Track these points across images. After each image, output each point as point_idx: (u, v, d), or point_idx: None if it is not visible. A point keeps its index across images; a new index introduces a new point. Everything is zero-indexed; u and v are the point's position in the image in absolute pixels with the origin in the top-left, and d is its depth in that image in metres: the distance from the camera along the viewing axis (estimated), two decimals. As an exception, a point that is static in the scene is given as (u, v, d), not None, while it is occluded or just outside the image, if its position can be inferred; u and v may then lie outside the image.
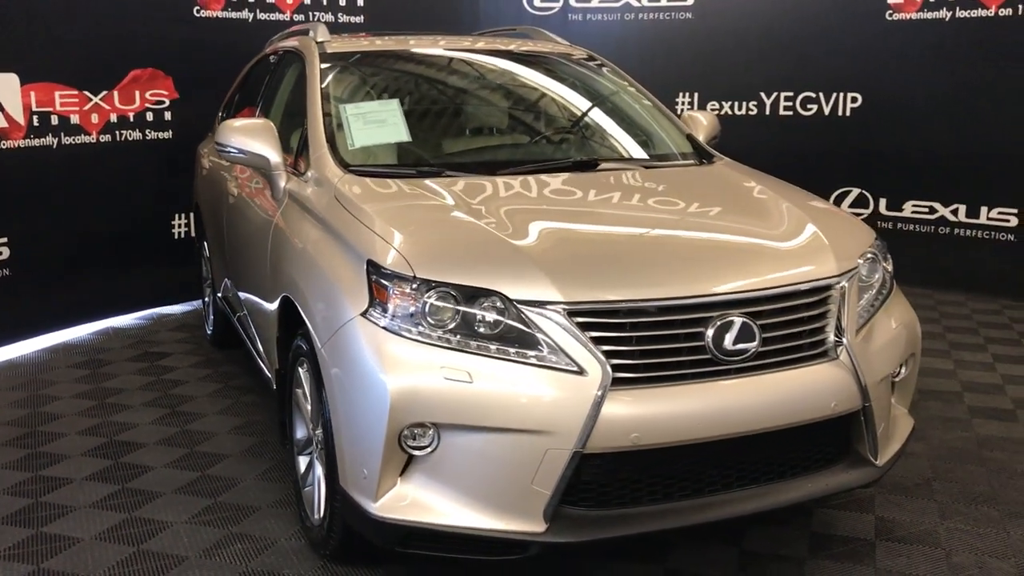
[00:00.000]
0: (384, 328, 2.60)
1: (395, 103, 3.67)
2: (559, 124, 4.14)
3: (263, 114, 4.48)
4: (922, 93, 6.59)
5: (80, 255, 5.77)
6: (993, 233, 6.44)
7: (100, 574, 3.06)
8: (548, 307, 2.54)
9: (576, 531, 2.54)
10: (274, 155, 3.51)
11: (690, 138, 4.03)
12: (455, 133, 3.92)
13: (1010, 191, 6.36)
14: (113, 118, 5.85)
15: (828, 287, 2.83)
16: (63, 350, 5.52)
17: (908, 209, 6.81)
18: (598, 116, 4.11)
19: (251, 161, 3.54)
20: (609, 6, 7.63)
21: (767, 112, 7.19)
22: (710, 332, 2.62)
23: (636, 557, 3.12)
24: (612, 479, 2.60)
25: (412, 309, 2.59)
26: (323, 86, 3.74)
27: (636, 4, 7.57)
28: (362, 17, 7.09)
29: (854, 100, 6.84)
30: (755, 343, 2.65)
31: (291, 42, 4.48)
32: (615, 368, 2.53)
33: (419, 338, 2.56)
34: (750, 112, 7.25)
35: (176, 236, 6.41)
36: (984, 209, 6.47)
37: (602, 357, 2.52)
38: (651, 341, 2.58)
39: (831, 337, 2.80)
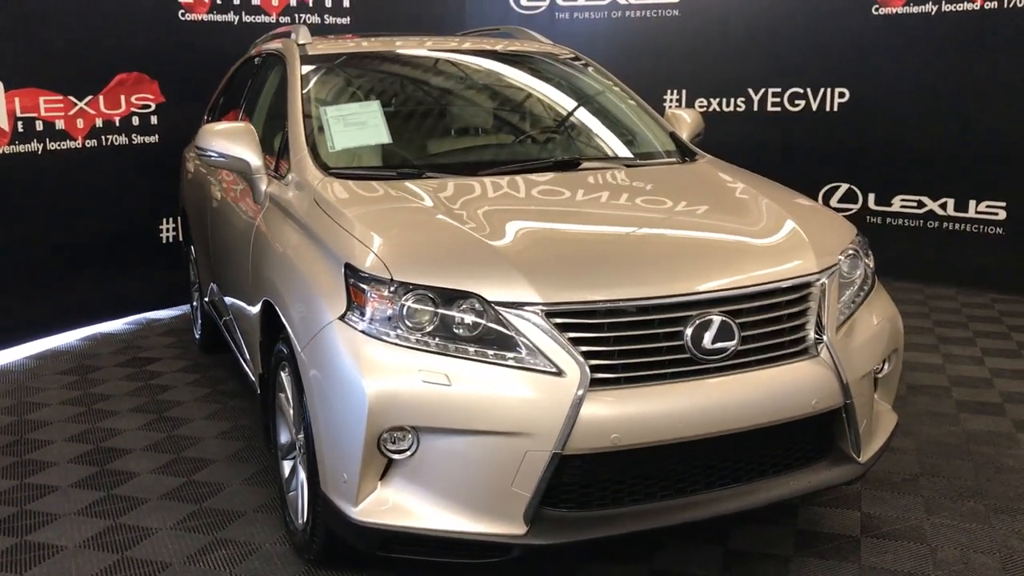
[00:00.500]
0: (362, 332, 2.59)
1: (376, 105, 3.66)
2: (542, 124, 4.14)
3: (246, 117, 4.47)
4: (909, 87, 6.59)
5: (68, 261, 5.76)
6: (982, 227, 6.45)
7: (83, 582, 3.05)
8: (526, 308, 2.53)
9: (557, 533, 2.53)
10: (254, 159, 3.50)
11: (673, 136, 4.03)
12: (437, 134, 3.92)
13: (998, 185, 6.36)
14: (99, 123, 5.83)
15: (808, 284, 2.82)
16: (51, 356, 5.50)
17: (897, 204, 6.81)
18: (581, 116, 4.10)
19: (232, 165, 3.53)
20: (596, 4, 7.63)
21: (755, 108, 7.19)
22: (689, 331, 2.61)
23: (621, 557, 3.12)
24: (593, 480, 2.60)
25: (390, 312, 2.58)
26: (303, 88, 3.73)
27: (623, 2, 7.56)
28: (348, 18, 7.07)
29: (841, 95, 6.85)
30: (734, 342, 2.65)
31: (274, 44, 4.47)
32: (594, 369, 2.52)
33: (397, 341, 2.55)
34: (738, 108, 7.25)
35: (164, 240, 6.39)
36: (973, 203, 6.48)
37: (580, 358, 2.51)
38: (629, 341, 2.58)
39: (811, 334, 2.79)
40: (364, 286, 2.62)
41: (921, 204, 6.71)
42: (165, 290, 6.34)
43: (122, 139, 5.98)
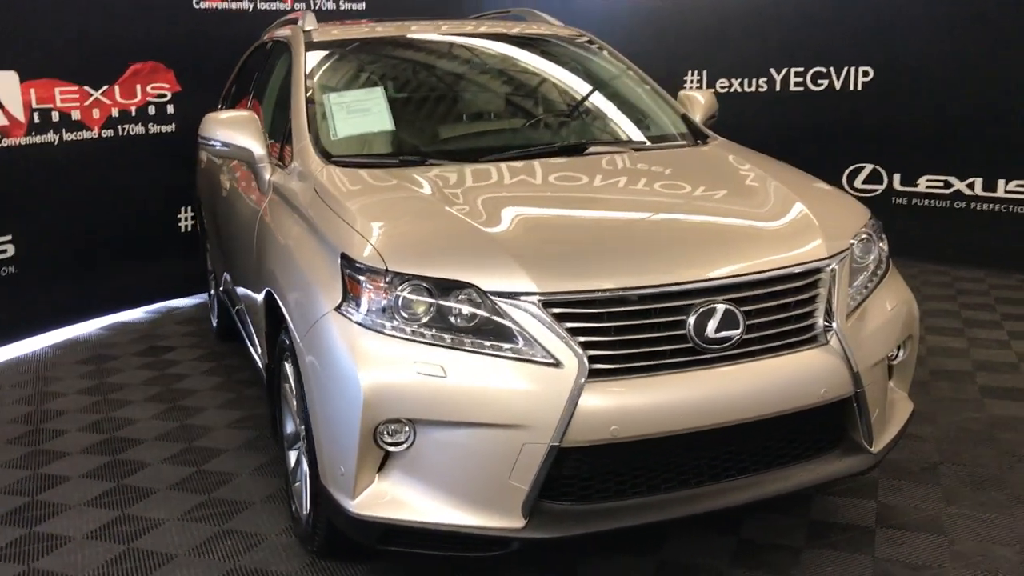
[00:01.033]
0: (358, 323, 2.55)
1: (379, 91, 3.62)
2: (550, 108, 4.07)
3: (256, 105, 4.44)
4: (935, 65, 6.42)
5: (86, 251, 5.78)
6: (1011, 207, 6.28)
7: (88, 573, 3.05)
8: (522, 298, 2.48)
9: (557, 526, 2.49)
10: (258, 147, 3.47)
11: (685, 119, 3.94)
12: (443, 120, 3.86)
13: (1028, 163, 6.19)
14: (115, 113, 5.84)
15: (817, 270, 2.74)
16: (70, 346, 5.53)
17: (923, 184, 6.65)
18: (592, 99, 4.03)
19: (235, 154, 3.51)
20: (615, -16, 7.51)
21: (777, 88, 7.05)
22: (691, 320, 2.55)
23: (629, 548, 3.07)
24: (594, 473, 2.54)
25: (385, 303, 2.54)
26: (307, 75, 3.69)
27: (642, -18, 7.44)
28: (364, 4, 7.02)
29: (865, 74, 6.69)
30: (739, 330, 2.58)
31: (282, 31, 4.44)
32: (593, 359, 2.46)
33: (393, 333, 2.51)
34: (760, 89, 7.12)
35: (183, 229, 6.41)
36: (1001, 182, 6.31)
37: (579, 348, 2.45)
38: (629, 331, 2.52)
39: (820, 322, 2.71)
40: (359, 277, 2.58)
41: (948, 184, 6.55)
42: (184, 279, 6.35)
43: (138, 128, 5.98)
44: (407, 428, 2.50)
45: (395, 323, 2.52)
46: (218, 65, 5.82)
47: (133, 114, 5.94)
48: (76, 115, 5.64)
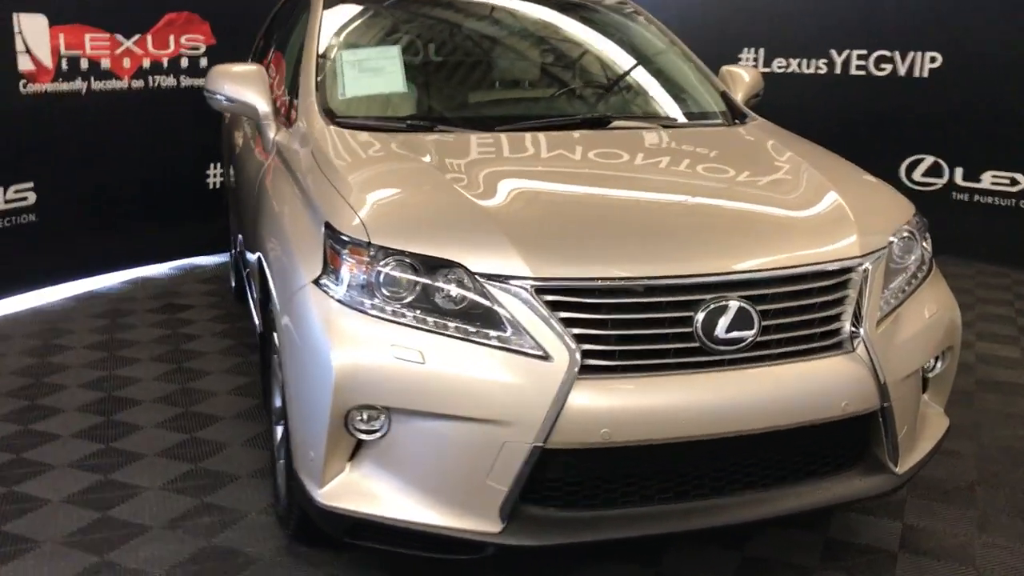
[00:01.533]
0: (335, 298, 2.35)
1: (395, 50, 3.40)
2: (576, 77, 3.79)
3: (278, 60, 4.25)
4: (1008, 54, 5.99)
5: (110, 203, 5.67)
6: (1082, 209, 5.87)
7: (57, 539, 2.92)
8: (513, 282, 2.26)
9: (537, 533, 2.28)
10: (263, 104, 3.28)
11: (725, 96, 3.66)
12: (460, 84, 3.63)
13: (1103, 163, 5.77)
14: (146, 63, 5.70)
15: (847, 269, 2.47)
16: (87, 299, 5.45)
17: (987, 180, 6.25)
18: (622, 70, 3.76)
19: (240, 110, 3.33)
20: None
21: (837, 71, 6.67)
22: (700, 317, 2.30)
23: (625, 558, 2.85)
24: (581, 478, 2.32)
25: (366, 279, 2.33)
26: (322, 29, 3.48)
27: (700, -48, 7.09)
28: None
29: (933, 60, 6.29)
30: (753, 331, 2.32)
31: (307, -16, 4.22)
32: (587, 354, 2.24)
33: (372, 311, 2.31)
34: (819, 71, 6.75)
35: (211, 186, 6.28)
36: (1072, 182, 5.90)
37: (572, 341, 2.23)
38: (629, 325, 2.28)
39: (847, 327, 2.45)
40: (341, 249, 2.38)
41: (1014, 181, 6.14)
42: (210, 237, 6.22)
43: (170, 81, 5.84)
44: (381, 416, 2.30)
45: (375, 301, 2.32)
46: (254, 19, 5.62)
47: (165, 66, 5.80)
48: (106, 64, 5.51)
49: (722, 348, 2.31)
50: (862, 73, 6.61)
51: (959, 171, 6.35)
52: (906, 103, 6.41)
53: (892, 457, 2.53)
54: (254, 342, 4.67)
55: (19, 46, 5.06)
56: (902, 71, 6.42)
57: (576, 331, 2.24)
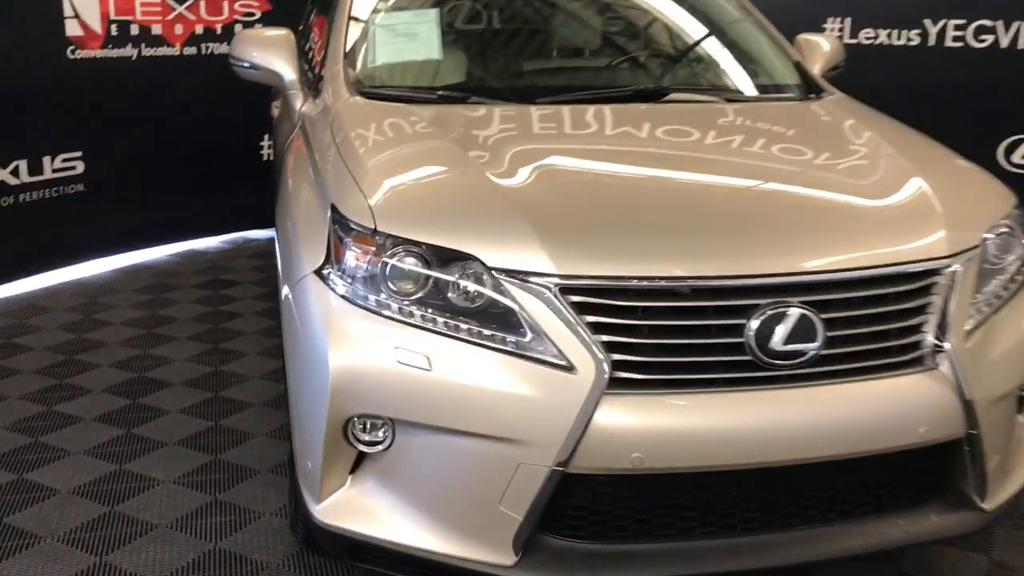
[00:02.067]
0: (337, 292, 2.08)
1: (434, 13, 3.11)
2: (628, 44, 3.43)
3: (322, 25, 3.99)
4: None
5: (161, 173, 5.53)
6: None
7: (58, 534, 2.75)
8: (534, 279, 1.96)
9: (557, 569, 1.99)
10: (289, 71, 3.04)
11: (799, 68, 3.27)
12: (501, 52, 3.30)
13: None
14: (198, 30, 5.52)
15: (932, 272, 2.11)
16: (133, 271, 5.33)
17: (1098, 164, 5.68)
18: (682, 36, 3.39)
19: (264, 78, 3.09)
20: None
21: (931, 43, 6.13)
22: (754, 325, 1.97)
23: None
24: (609, 507, 2.02)
25: (369, 271, 2.06)
26: (357, -7, 3.20)
27: (786, -88, 6.59)
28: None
29: (1041, 30, 5.72)
30: (816, 343, 1.98)
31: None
32: (618, 365, 1.93)
33: (375, 308, 2.04)
34: (910, 42, 6.21)
35: (265, 157, 6.09)
36: None
37: (601, 350, 1.92)
38: (670, 332, 1.96)
39: (929, 339, 2.08)
40: (344, 235, 2.11)
41: None
42: (264, 209, 6.03)
43: (223, 48, 5.64)
44: (385, 426, 2.03)
45: (380, 297, 2.04)
46: (312, -16, 5.41)
47: (218, 32, 5.61)
48: (157, 29, 5.35)
49: (779, 363, 1.98)
50: (959, 44, 6.05)
51: (1066, 153, 5.79)
52: (1009, 77, 5.85)
53: (979, 491, 2.17)
54: (293, 323, 4.49)
55: (67, 11, 4.93)
56: (1004, 42, 5.86)
57: (606, 338, 1.94)
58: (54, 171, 5.03)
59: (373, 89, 2.84)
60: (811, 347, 1.98)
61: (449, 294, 2.03)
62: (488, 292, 1.99)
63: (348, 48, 2.98)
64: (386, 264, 2.04)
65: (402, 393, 1.97)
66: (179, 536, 2.76)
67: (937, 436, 2.06)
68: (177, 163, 5.58)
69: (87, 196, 5.20)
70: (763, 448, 1.95)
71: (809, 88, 3.16)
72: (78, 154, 5.13)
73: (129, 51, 5.25)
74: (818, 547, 2.07)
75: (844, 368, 2.02)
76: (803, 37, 3.47)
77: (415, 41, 2.98)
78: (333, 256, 2.13)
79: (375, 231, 2.06)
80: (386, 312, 2.02)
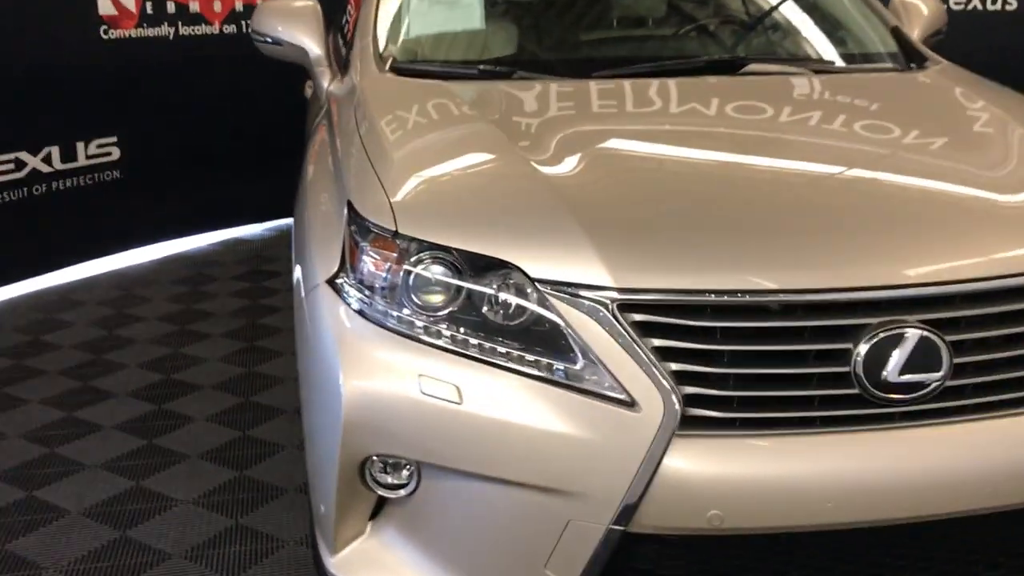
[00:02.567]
0: (351, 306, 1.75)
1: (477, -22, 2.74)
2: (695, 10, 3.02)
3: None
4: None
5: (200, 159, 5.28)
6: None
7: (61, 566, 2.49)
8: (586, 294, 1.59)
9: (613, 645, 1.64)
10: (314, 47, 2.71)
11: (896, 33, 2.84)
12: (554, 20, 2.93)
13: None
14: (239, 6, 5.27)
15: (1086, 282, 1.69)
16: (173, 261, 5.11)
17: None
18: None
19: (288, 54, 2.78)
20: None
21: (1032, 7, 5.58)
22: (862, 350, 1.58)
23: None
24: (683, 573, 1.66)
25: (391, 281, 1.72)
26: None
27: None
28: None
29: None
30: (941, 373, 1.59)
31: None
32: (690, 400, 1.56)
33: (397, 326, 1.70)
34: (1008, 6, 5.67)
35: (310, 140, 5.81)
36: None
37: (670, 381, 1.56)
38: (756, 360, 1.59)
39: (1082, 366, 1.68)
40: (361, 239, 1.77)
41: None
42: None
43: (264, 25, 5.36)
44: (409, 466, 1.70)
45: (403, 313, 1.70)
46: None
47: (259, 8, 5.32)
48: (194, 7, 5.10)
49: (894, 397, 1.59)
50: (1064, 8, 5.50)
51: None
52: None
53: None
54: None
55: (100, -11, 4.70)
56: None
57: (676, 367, 1.57)
58: (88, 157, 4.81)
59: (405, 64, 2.49)
60: (935, 377, 1.59)
61: (484, 310, 1.68)
62: (531, 307, 1.64)
63: (379, 18, 2.64)
64: (409, 273, 1.70)
65: (427, 431, 1.63)
66: (193, 567, 2.48)
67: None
68: (218, 147, 5.34)
69: (124, 183, 4.97)
70: (876, 503, 1.57)
71: (909, 57, 2.73)
72: (113, 139, 4.91)
73: (165, 30, 5.01)
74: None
75: (975, 403, 1.63)
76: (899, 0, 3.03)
77: (455, 8, 2.62)
78: (348, 263, 1.80)
79: (396, 233, 1.72)
80: (409, 331, 1.68)
